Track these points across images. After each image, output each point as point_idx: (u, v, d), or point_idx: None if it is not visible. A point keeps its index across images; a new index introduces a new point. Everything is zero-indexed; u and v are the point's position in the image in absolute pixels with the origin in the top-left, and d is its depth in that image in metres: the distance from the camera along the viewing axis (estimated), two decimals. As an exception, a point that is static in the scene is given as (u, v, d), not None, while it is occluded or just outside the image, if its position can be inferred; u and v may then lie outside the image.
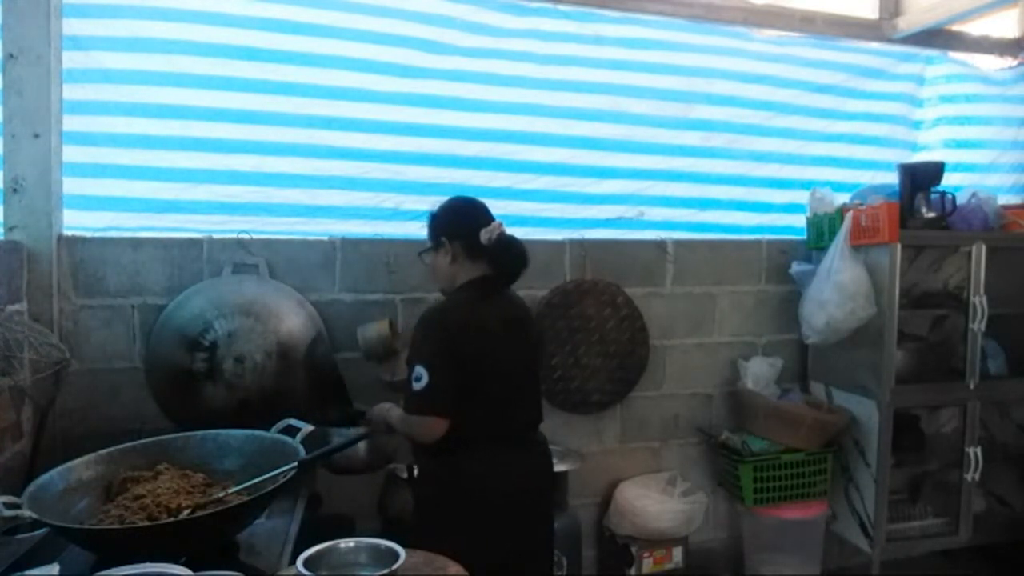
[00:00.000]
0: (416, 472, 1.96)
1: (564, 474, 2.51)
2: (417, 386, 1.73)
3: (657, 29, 2.92)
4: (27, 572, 1.32)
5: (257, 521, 1.59)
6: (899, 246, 2.65)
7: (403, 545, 1.29)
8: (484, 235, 1.82)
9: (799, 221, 3.14)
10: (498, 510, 1.78)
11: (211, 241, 2.38)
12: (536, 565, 1.90)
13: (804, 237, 3.10)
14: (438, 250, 1.89)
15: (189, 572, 1.15)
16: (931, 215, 2.77)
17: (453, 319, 1.78)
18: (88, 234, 2.27)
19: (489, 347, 1.77)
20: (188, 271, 2.35)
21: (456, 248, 1.85)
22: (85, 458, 1.60)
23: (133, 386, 2.30)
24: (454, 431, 1.74)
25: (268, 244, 2.43)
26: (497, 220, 1.87)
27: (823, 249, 2.89)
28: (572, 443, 2.78)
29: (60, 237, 2.22)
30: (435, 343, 1.75)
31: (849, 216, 2.76)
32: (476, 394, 1.75)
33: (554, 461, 2.04)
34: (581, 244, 2.81)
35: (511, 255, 1.85)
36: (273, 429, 1.75)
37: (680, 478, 2.89)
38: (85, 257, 2.26)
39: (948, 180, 2.83)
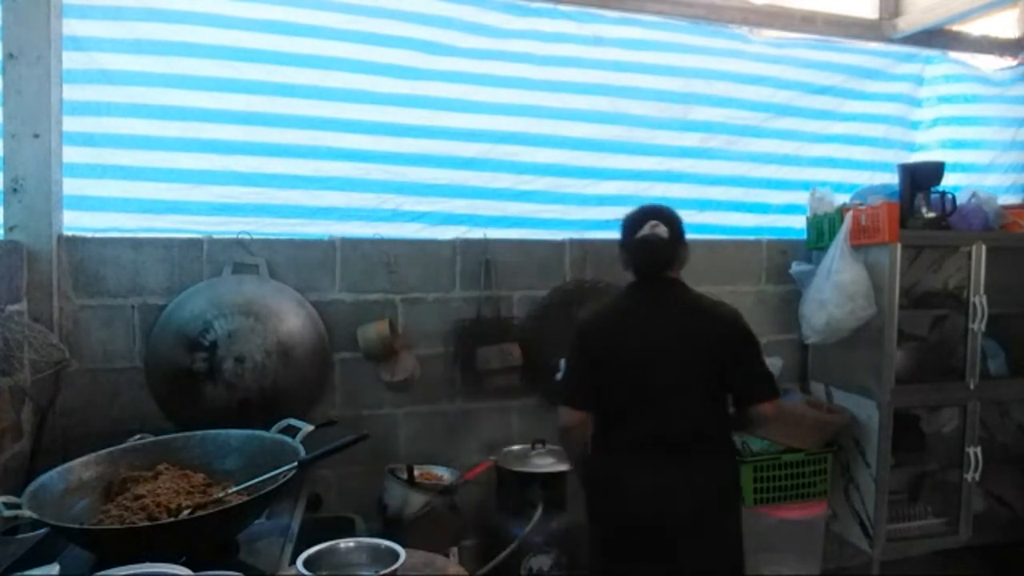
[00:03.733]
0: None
1: (563, 474, 2.51)
2: (559, 376, 1.96)
3: (657, 30, 2.92)
4: (27, 572, 1.32)
5: (257, 521, 1.59)
6: (899, 246, 2.65)
7: (402, 545, 1.29)
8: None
9: (798, 222, 3.14)
10: (612, 519, 1.87)
11: (211, 241, 2.38)
12: None
13: (804, 237, 3.11)
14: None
15: (189, 572, 1.16)
16: (931, 215, 2.77)
17: (584, 328, 1.92)
18: (88, 234, 2.27)
19: (617, 354, 1.84)
20: (188, 271, 2.35)
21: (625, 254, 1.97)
22: (85, 458, 1.60)
23: (133, 386, 2.30)
24: (596, 433, 1.89)
25: (268, 244, 2.44)
26: (649, 222, 1.91)
27: (823, 249, 2.89)
28: (572, 443, 2.77)
29: (60, 237, 2.22)
30: (572, 345, 1.93)
31: (849, 216, 2.76)
32: (608, 396, 1.85)
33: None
34: (581, 244, 2.81)
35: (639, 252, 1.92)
36: (273, 429, 1.75)
37: (680, 478, 2.89)
38: (85, 257, 2.26)
39: (946, 180, 2.83)
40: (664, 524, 1.82)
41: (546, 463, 2.51)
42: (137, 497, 1.51)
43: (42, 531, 1.51)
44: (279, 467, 1.53)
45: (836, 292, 2.69)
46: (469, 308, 2.66)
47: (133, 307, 2.31)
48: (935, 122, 3.40)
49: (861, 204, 2.81)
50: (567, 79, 2.80)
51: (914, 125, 3.41)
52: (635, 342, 1.85)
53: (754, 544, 2.91)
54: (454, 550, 2.26)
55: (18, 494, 1.38)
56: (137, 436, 1.80)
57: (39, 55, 2.11)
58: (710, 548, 1.85)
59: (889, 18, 3.24)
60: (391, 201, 2.61)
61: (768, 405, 1.88)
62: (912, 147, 3.41)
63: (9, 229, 2.12)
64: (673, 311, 1.90)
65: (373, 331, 2.42)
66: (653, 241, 1.88)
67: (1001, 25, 3.50)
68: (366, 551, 1.32)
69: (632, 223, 1.95)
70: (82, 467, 1.58)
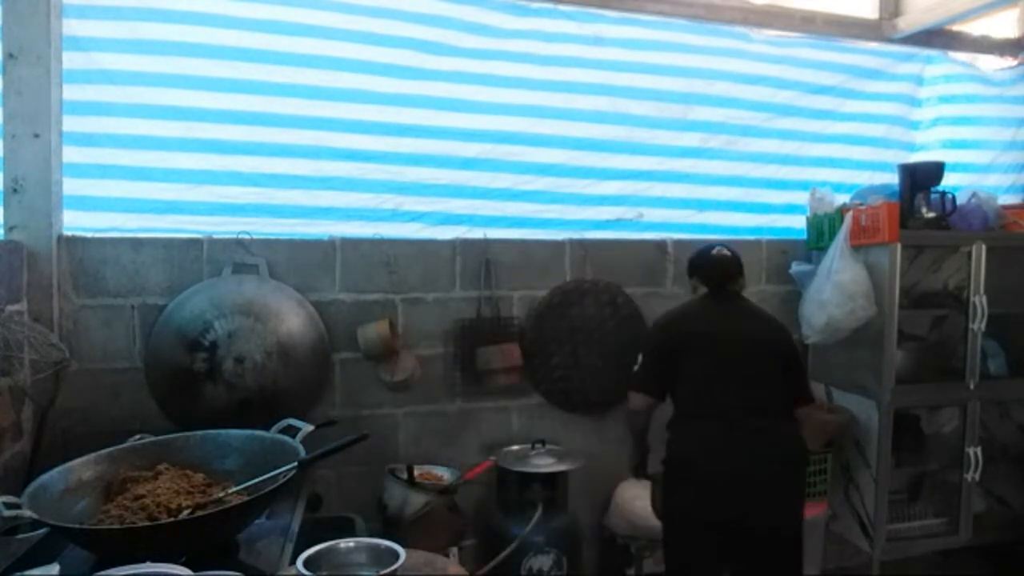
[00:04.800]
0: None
1: (564, 474, 2.52)
2: (635, 368, 2.26)
3: (657, 30, 2.92)
4: (27, 572, 1.32)
5: (257, 521, 1.59)
6: (899, 246, 2.65)
7: (402, 545, 1.29)
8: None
9: (798, 222, 3.14)
10: (695, 476, 2.09)
11: (211, 241, 2.38)
12: (741, 535, 2.07)
13: (804, 237, 3.11)
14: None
15: (189, 572, 1.16)
16: (931, 215, 2.77)
17: (662, 322, 2.30)
18: (88, 234, 2.27)
19: (695, 339, 2.18)
20: (188, 271, 2.35)
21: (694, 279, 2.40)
22: (85, 458, 1.60)
23: (133, 386, 2.30)
24: (676, 407, 2.19)
25: (268, 244, 2.44)
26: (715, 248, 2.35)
27: (823, 249, 2.89)
28: (572, 443, 2.78)
29: (60, 237, 2.22)
30: (650, 339, 2.33)
31: (849, 216, 2.76)
32: (682, 377, 2.16)
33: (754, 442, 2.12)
34: (581, 244, 2.82)
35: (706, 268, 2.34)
36: (273, 429, 1.75)
37: (680, 478, 2.89)
38: (85, 257, 2.26)
39: (946, 180, 2.83)
40: (745, 474, 2.06)
41: (546, 463, 2.51)
42: (137, 497, 1.51)
43: (42, 531, 1.51)
44: (279, 467, 1.53)
45: (836, 292, 2.69)
46: (469, 308, 2.66)
47: (133, 307, 2.31)
48: (935, 122, 3.40)
49: (861, 204, 2.81)
50: (567, 79, 2.79)
51: (914, 125, 3.41)
52: (711, 330, 2.19)
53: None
54: (454, 550, 2.26)
55: (18, 494, 1.38)
56: (137, 436, 1.80)
57: (39, 55, 2.11)
58: (780, 494, 2.11)
59: (889, 18, 3.24)
60: (391, 201, 2.61)
61: (810, 407, 2.31)
62: (912, 147, 3.41)
63: (9, 229, 2.12)
64: (740, 311, 2.27)
65: (373, 331, 2.42)
66: (720, 258, 2.32)
67: (1001, 25, 3.50)
68: (366, 551, 1.32)
69: (699, 253, 2.39)
70: (82, 467, 1.58)
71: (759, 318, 2.28)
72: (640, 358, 2.26)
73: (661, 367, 2.20)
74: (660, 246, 2.94)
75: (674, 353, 2.18)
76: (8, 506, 1.33)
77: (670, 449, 2.18)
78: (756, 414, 2.10)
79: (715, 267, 2.31)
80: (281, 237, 2.47)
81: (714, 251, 2.33)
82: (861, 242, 2.73)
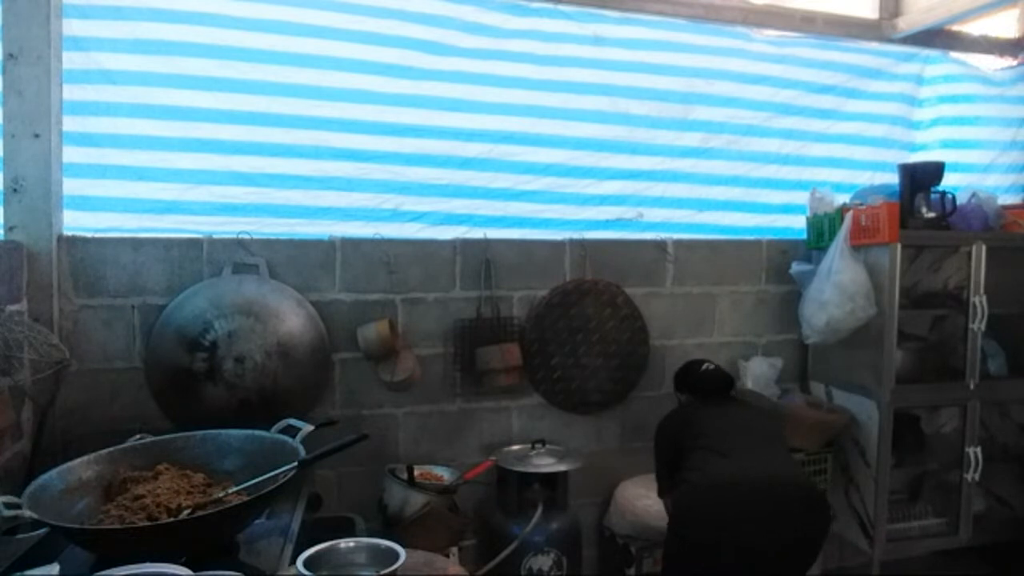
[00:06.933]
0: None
1: (564, 474, 2.52)
2: (656, 477, 2.41)
3: (657, 29, 2.92)
4: (27, 572, 1.32)
5: (257, 521, 1.60)
6: (899, 246, 2.65)
7: (402, 545, 1.30)
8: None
9: (798, 222, 3.14)
10: (707, 501, 2.07)
11: (211, 241, 2.38)
12: None
13: (804, 237, 3.11)
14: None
15: (189, 572, 1.16)
16: (931, 215, 2.77)
17: (663, 423, 2.40)
18: (88, 234, 2.27)
19: (684, 425, 2.30)
20: (188, 271, 2.35)
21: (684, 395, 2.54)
22: (85, 458, 1.61)
23: (133, 386, 2.30)
24: (685, 472, 2.18)
25: (268, 244, 2.44)
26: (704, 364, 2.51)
27: (823, 249, 2.89)
28: (572, 443, 2.78)
29: (60, 237, 2.22)
30: (655, 444, 2.40)
31: (849, 216, 2.76)
32: (694, 451, 2.19)
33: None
34: (581, 244, 2.82)
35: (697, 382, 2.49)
36: (273, 429, 1.75)
37: (680, 478, 2.89)
38: (85, 257, 2.26)
39: (946, 180, 2.83)
40: (759, 491, 2.04)
41: (546, 463, 2.51)
42: (137, 497, 1.51)
43: (42, 531, 1.51)
44: (279, 467, 1.53)
45: (836, 292, 2.69)
46: (469, 308, 2.66)
47: (133, 307, 2.31)
48: (935, 122, 3.40)
49: (861, 204, 2.81)
50: (567, 79, 2.79)
51: (914, 125, 3.41)
52: (703, 412, 2.32)
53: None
54: (454, 550, 2.26)
55: (18, 494, 1.38)
56: (137, 436, 1.80)
57: (39, 55, 2.11)
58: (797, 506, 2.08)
59: (889, 18, 3.24)
60: (391, 201, 2.61)
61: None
62: (912, 147, 3.41)
63: (9, 229, 2.12)
64: (732, 400, 2.42)
65: (373, 331, 2.43)
66: (716, 372, 2.46)
67: (1001, 25, 3.50)
68: (366, 551, 1.32)
69: (686, 369, 2.54)
70: (82, 467, 1.58)
71: (751, 402, 2.56)
72: (655, 466, 2.39)
73: (672, 463, 2.28)
74: (660, 246, 2.94)
75: (675, 442, 2.28)
76: (8, 506, 1.33)
77: (678, 492, 2.18)
78: (759, 448, 2.17)
79: (711, 381, 2.43)
80: (281, 237, 2.47)
81: (703, 368, 2.47)
82: (861, 242, 2.73)
